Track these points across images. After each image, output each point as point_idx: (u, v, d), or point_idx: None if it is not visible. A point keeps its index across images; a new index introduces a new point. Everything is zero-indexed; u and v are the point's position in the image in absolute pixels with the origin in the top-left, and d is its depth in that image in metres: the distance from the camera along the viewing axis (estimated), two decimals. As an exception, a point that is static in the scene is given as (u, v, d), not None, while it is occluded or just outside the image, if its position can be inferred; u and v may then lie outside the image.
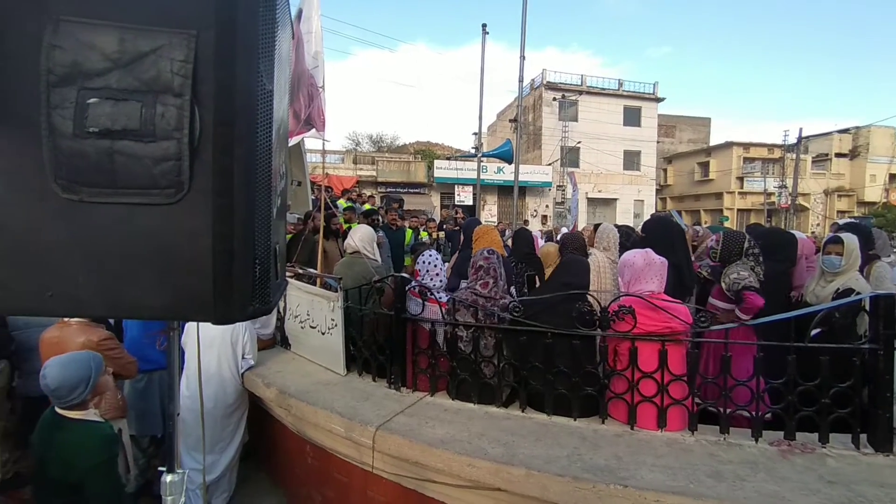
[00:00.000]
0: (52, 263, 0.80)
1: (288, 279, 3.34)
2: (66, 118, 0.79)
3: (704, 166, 29.97)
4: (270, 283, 0.93)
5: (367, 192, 17.38)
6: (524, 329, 2.22)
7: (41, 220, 0.80)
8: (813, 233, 20.71)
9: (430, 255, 2.81)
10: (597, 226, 3.24)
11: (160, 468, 1.03)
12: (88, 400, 1.73)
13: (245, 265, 0.86)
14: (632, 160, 26.26)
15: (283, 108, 1.14)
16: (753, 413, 1.92)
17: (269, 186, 0.92)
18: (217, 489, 2.82)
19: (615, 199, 26.03)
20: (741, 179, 28.56)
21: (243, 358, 2.97)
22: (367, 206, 8.42)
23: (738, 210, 28.17)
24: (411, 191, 21.86)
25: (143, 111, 0.80)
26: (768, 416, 1.97)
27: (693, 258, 3.41)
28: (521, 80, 7.82)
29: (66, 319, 2.24)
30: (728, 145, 28.83)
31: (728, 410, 1.97)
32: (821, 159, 29.84)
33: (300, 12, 3.20)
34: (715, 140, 32.52)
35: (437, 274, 2.85)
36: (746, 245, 2.84)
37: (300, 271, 3.45)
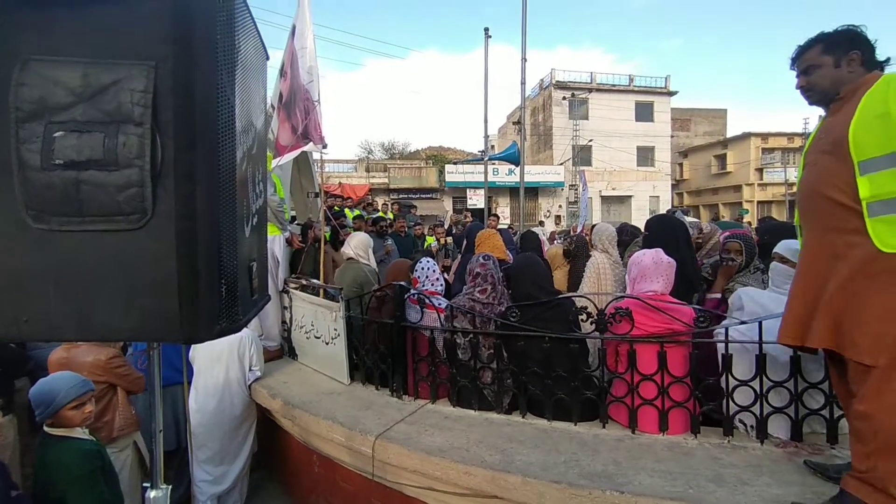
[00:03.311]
0: (26, 290, 0.84)
1: (293, 290, 3.40)
2: (34, 152, 0.82)
3: (721, 159, 29.33)
4: (239, 301, 0.95)
5: (380, 199, 17.53)
6: (521, 334, 2.21)
7: (15, 249, 0.84)
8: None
9: (428, 262, 2.83)
10: (594, 227, 3.20)
11: (144, 484, 1.06)
12: (62, 419, 1.79)
13: (210, 285, 0.88)
14: (646, 156, 25.87)
15: (255, 123, 1.17)
16: (756, 414, 1.87)
17: (234, 206, 0.95)
18: (228, 499, 2.87)
19: (630, 197, 25.66)
20: (760, 171, 27.84)
21: (250, 370, 3.03)
22: (390, 214, 8.36)
23: (759, 202, 27.42)
24: (423, 196, 21.96)
25: (106, 141, 0.83)
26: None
27: (699, 257, 3.33)
28: (523, 83, 7.80)
29: (73, 339, 2.32)
30: (745, 136, 28.16)
31: (731, 412, 1.92)
32: (845, 146, 28.80)
33: (294, 28, 3.26)
34: (732, 131, 31.80)
35: (438, 279, 2.86)
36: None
37: (304, 282, 3.50)
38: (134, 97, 0.84)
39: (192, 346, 2.83)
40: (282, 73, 3.33)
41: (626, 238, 3.00)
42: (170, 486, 1.09)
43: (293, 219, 5.02)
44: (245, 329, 2.90)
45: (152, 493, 1.05)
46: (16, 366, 2.74)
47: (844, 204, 1.44)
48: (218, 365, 2.91)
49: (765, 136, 28.24)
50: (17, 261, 0.85)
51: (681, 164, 31.59)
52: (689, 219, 5.69)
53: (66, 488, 1.68)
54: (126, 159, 0.83)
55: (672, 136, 27.52)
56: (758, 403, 1.87)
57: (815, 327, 1.49)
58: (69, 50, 0.85)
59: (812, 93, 1.60)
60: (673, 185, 28.48)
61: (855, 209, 1.42)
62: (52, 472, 1.71)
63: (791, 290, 1.63)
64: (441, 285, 2.84)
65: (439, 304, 2.54)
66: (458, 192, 22.35)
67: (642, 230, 3.91)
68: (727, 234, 3.18)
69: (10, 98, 0.82)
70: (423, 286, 2.78)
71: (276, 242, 3.49)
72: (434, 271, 2.82)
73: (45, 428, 1.78)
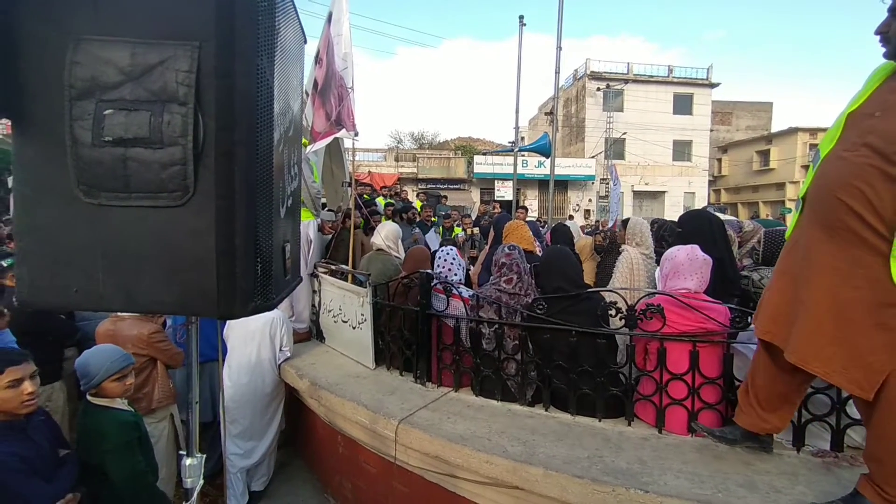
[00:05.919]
0: (76, 262, 0.88)
1: (322, 275, 3.46)
2: (86, 129, 0.86)
3: (764, 155, 27.88)
4: (273, 280, 0.98)
5: (409, 188, 17.63)
6: (548, 327, 2.19)
7: (67, 222, 0.88)
8: None
9: (449, 252, 2.82)
10: (625, 221, 3.10)
11: (180, 452, 1.11)
12: (104, 390, 1.89)
13: (247, 263, 0.91)
14: (682, 150, 24.91)
15: (292, 106, 1.18)
16: (794, 421, 1.79)
17: (270, 187, 0.96)
18: (256, 473, 2.99)
19: (663, 192, 24.83)
20: (806, 168, 26.32)
21: (281, 350, 3.12)
22: (417, 204, 8.52)
23: (804, 201, 25.99)
24: (451, 187, 21.91)
25: (152, 120, 0.86)
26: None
27: (738, 255, 3.19)
28: (557, 72, 7.59)
29: (120, 313, 2.44)
30: (792, 131, 26.62)
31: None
32: (903, 143, 26.88)
33: (330, 15, 3.29)
34: (777, 126, 30.15)
35: (461, 267, 2.85)
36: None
37: (333, 267, 3.56)
38: (179, 77, 0.86)
39: (227, 324, 2.94)
40: (317, 60, 3.37)
41: (667, 234, 2.88)
42: (204, 455, 1.14)
43: (324, 205, 5.11)
44: (276, 310, 2.99)
45: (188, 461, 1.10)
46: (65, 336, 2.92)
47: (868, 222, 1.18)
48: (251, 344, 3.01)
49: (813, 132, 26.59)
50: (69, 234, 0.89)
51: (719, 160, 30.24)
52: (725, 216, 5.45)
53: (105, 456, 1.78)
54: (170, 138, 0.86)
55: (711, 131, 26.36)
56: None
57: (796, 338, 1.35)
58: (118, 30, 0.88)
59: (888, 45, 1.20)
60: (710, 181, 27.37)
61: (881, 233, 1.17)
62: (93, 440, 1.82)
63: (770, 283, 1.51)
64: (460, 277, 2.84)
65: (462, 293, 2.54)
66: (486, 184, 22.19)
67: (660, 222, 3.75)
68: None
69: (65, 76, 0.86)
70: (444, 275, 2.78)
71: (311, 227, 3.56)
72: (454, 260, 2.81)
73: (88, 397, 1.89)
